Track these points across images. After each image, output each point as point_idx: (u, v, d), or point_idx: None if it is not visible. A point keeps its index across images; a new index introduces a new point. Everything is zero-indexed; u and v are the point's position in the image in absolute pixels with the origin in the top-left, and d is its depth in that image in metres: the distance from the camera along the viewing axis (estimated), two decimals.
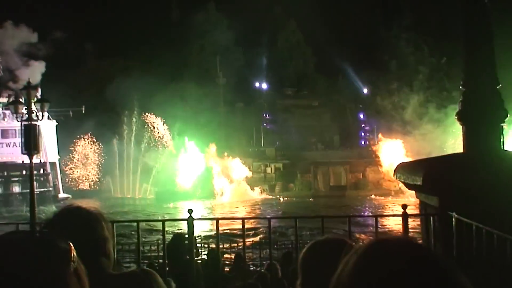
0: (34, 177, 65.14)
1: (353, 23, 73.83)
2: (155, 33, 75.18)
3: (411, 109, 67.30)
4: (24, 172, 57.99)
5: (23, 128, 20.70)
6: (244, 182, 66.27)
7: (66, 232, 2.51)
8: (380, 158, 64.25)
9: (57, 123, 65.61)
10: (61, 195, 65.05)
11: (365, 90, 79.99)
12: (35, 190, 61.27)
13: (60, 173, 68.10)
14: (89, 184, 75.02)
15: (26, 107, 21.20)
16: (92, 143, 74.52)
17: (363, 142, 79.24)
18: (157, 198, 65.28)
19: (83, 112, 66.81)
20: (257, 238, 24.71)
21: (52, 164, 65.14)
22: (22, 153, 21.60)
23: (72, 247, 1.78)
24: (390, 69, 71.12)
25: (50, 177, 63.80)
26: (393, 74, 70.93)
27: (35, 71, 60.58)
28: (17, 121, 22.26)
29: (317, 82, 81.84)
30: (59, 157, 67.66)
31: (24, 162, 57.04)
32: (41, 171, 61.68)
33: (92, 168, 75.08)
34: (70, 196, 65.66)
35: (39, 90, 47.52)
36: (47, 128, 58.61)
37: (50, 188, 63.02)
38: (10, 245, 1.70)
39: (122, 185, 73.39)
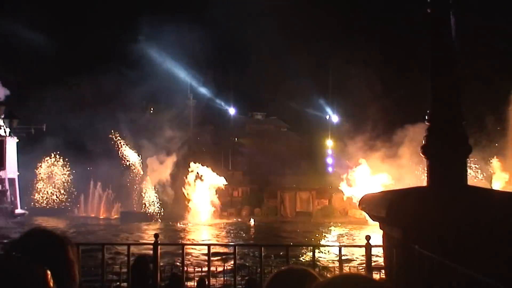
0: None
1: (324, 50, 74.83)
2: (126, 51, 75.03)
3: (363, 142, 67.45)
4: None
5: None
6: (211, 205, 65.94)
7: (33, 255, 2.52)
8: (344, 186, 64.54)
9: (18, 140, 64.82)
10: (18, 210, 64.66)
11: (335, 118, 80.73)
12: None
13: (19, 190, 67.57)
14: (53, 202, 74.21)
15: None
16: (57, 161, 74.00)
17: (330, 169, 79.64)
18: (122, 218, 64.65)
19: (44, 130, 66.43)
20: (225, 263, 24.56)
21: (11, 180, 64.62)
22: None
23: (49, 273, 1.79)
24: (353, 100, 71.75)
25: (8, 192, 63.11)
26: (354, 105, 71.59)
27: None
28: None
29: (287, 107, 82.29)
30: (18, 173, 67.07)
31: None
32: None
33: (56, 186, 74.37)
34: (27, 212, 65.27)
35: None
36: (8, 144, 58.20)
37: (6, 205, 62.28)
38: None
39: (87, 204, 72.56)
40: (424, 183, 6.94)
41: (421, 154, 6.77)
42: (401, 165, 58.30)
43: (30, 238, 2.94)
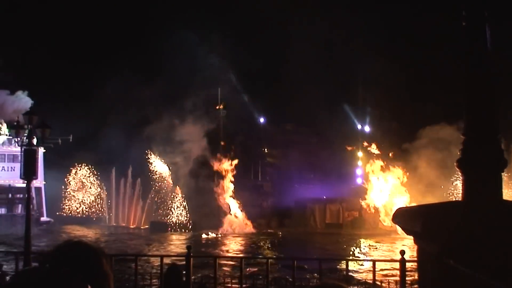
0: (18, 201, 67.25)
1: (357, 61, 74.73)
2: (156, 63, 75.58)
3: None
4: (10, 195, 61.24)
5: (23, 153, 20.70)
6: (240, 215, 66.03)
7: (69, 268, 2.53)
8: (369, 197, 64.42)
9: (44, 150, 66.09)
10: (43, 218, 67.16)
11: (367, 128, 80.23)
12: (20, 212, 63.60)
13: (45, 199, 69.75)
14: (82, 211, 75.10)
15: (27, 133, 21.27)
16: (87, 172, 75.03)
17: (359, 180, 79.07)
18: (151, 228, 65.03)
19: (71, 140, 67.78)
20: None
21: (38, 189, 66.39)
22: (20, 177, 21.58)
23: (89, 287, 1.80)
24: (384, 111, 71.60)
25: (34, 201, 64.53)
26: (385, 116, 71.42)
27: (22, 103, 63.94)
28: (17, 145, 22.37)
29: (318, 118, 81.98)
30: (45, 182, 68.84)
31: (11, 185, 59.79)
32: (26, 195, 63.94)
33: (85, 196, 75.28)
34: (52, 220, 67.51)
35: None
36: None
37: (33, 212, 63.84)
38: (31, 283, 1.72)
39: (117, 214, 73.21)
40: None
41: (456, 168, 6.68)
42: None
43: (66, 250, 2.94)
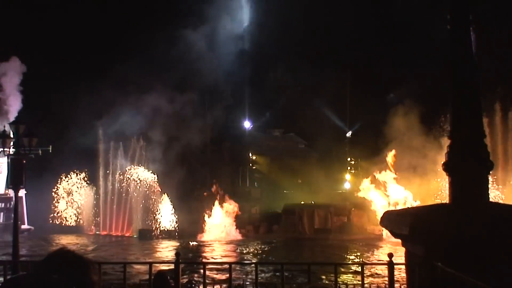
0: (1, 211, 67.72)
1: (344, 66, 75.10)
2: (140, 70, 75.02)
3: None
4: None
5: (10, 162, 20.62)
6: (229, 221, 65.85)
7: (58, 276, 2.52)
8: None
9: (24, 161, 65.61)
10: (24, 226, 67.28)
11: (354, 135, 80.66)
12: (1, 222, 63.90)
13: (26, 207, 70.17)
14: (72, 220, 74.62)
15: (13, 142, 21.17)
16: (75, 179, 74.70)
17: (348, 185, 79.31)
18: (140, 236, 64.77)
19: (50, 151, 67.66)
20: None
21: (19, 198, 66.65)
22: (7, 187, 21.56)
23: None
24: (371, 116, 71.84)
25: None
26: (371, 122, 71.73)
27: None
28: (4, 155, 22.26)
29: (304, 124, 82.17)
30: (25, 191, 68.84)
31: None
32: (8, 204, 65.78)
33: (70, 204, 74.84)
34: (32, 228, 67.75)
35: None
36: None
37: (12, 220, 64.32)
38: None
39: (105, 222, 72.81)
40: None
41: (443, 170, 6.71)
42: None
43: (55, 259, 2.95)
